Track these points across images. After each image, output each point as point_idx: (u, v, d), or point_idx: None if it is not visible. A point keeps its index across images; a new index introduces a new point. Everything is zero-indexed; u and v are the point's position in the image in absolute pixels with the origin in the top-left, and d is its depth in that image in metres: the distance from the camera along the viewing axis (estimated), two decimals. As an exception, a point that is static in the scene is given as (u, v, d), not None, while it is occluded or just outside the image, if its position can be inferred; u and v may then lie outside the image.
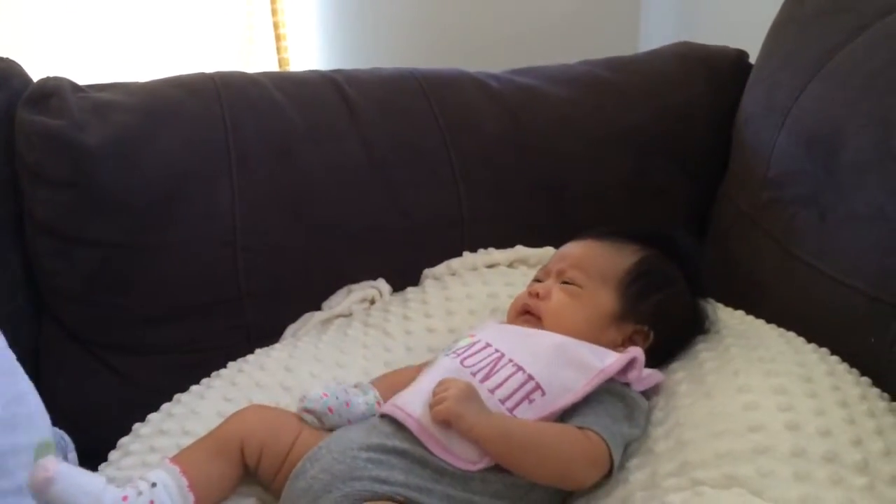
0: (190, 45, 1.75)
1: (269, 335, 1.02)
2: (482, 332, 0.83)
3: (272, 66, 1.80)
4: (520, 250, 1.06)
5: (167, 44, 1.73)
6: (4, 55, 1.08)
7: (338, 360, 0.92)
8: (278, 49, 1.80)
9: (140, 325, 1.01)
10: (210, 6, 1.79)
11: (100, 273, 0.99)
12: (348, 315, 1.01)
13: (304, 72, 1.17)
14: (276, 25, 1.79)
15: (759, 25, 1.16)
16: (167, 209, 0.99)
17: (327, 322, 1.01)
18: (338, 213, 1.05)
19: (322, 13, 1.83)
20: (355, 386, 0.83)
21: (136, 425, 0.86)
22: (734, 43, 1.26)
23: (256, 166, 1.03)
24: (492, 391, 0.74)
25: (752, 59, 1.19)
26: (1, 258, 0.99)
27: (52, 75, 1.05)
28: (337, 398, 0.79)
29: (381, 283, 1.05)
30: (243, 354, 0.99)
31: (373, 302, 1.03)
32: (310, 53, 1.84)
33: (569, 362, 0.75)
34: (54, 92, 1.02)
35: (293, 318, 1.03)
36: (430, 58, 1.65)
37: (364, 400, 0.81)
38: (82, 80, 1.09)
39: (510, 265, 1.05)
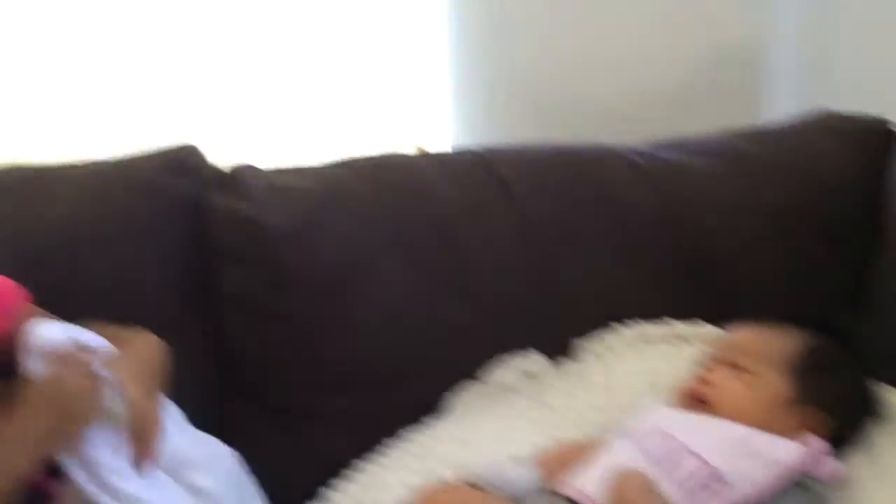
0: (333, 122, 1.86)
1: (434, 405, 1.08)
2: (655, 415, 0.86)
3: (410, 142, 1.88)
4: (674, 325, 1.08)
5: (313, 125, 1.84)
6: (186, 142, 1.19)
7: (505, 433, 0.97)
8: (413, 124, 1.89)
9: (318, 393, 1.08)
10: (352, 87, 1.89)
11: (281, 344, 1.07)
12: (508, 387, 1.06)
13: (456, 151, 1.24)
14: (411, 92, 1.87)
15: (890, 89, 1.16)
16: (342, 286, 1.07)
17: (488, 394, 1.06)
18: (495, 288, 1.10)
19: (455, 89, 1.90)
20: (517, 460, 0.87)
21: (328, 492, 0.92)
22: (865, 108, 1.27)
23: (420, 245, 1.10)
24: (674, 481, 0.77)
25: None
26: (189, 330, 1.08)
27: (235, 162, 1.16)
28: (501, 472, 0.83)
29: (538, 356, 1.09)
30: (412, 423, 1.05)
31: (531, 375, 1.08)
32: (444, 128, 1.92)
33: (751, 453, 0.77)
34: (239, 177, 1.12)
35: (455, 390, 1.09)
36: (551, 129, 1.72)
37: (526, 475, 0.85)
38: (248, 159, 1.20)
39: (666, 340, 1.07)
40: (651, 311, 1.12)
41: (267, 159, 1.23)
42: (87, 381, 0.76)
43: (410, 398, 1.08)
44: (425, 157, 1.20)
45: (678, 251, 1.16)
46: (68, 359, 0.77)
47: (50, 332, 0.80)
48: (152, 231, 1.08)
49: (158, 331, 0.96)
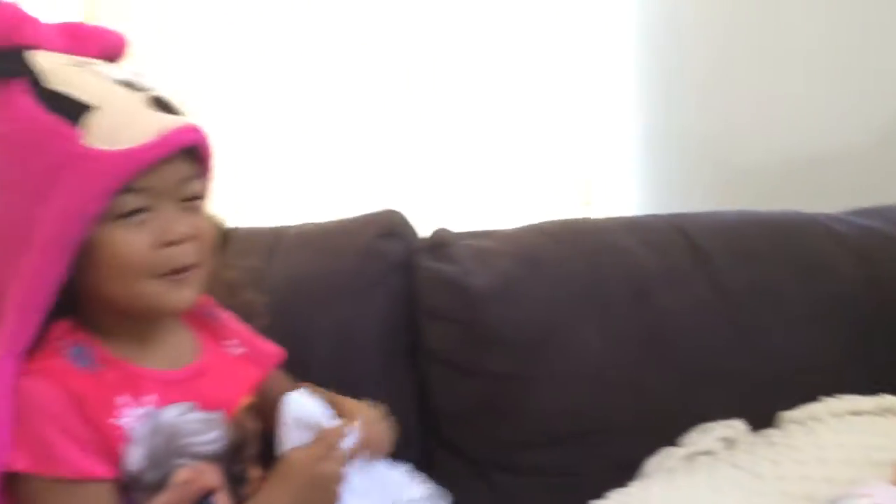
0: (517, 184, 1.94)
1: (633, 466, 1.09)
2: (877, 491, 0.84)
3: (580, 206, 1.93)
4: (886, 399, 1.05)
5: (497, 187, 1.93)
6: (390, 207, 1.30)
7: (714, 499, 0.96)
8: (583, 181, 1.94)
9: (518, 448, 1.12)
10: (535, 149, 1.97)
11: (484, 399, 1.13)
12: (709, 454, 1.06)
13: (649, 217, 1.27)
14: (591, 156, 1.93)
15: None
16: (543, 345, 1.12)
17: (688, 459, 1.07)
18: (693, 353, 1.12)
19: (636, 151, 1.93)
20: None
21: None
22: None
23: (619, 308, 1.13)
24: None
25: None
26: (398, 384, 1.16)
27: (438, 227, 1.25)
28: None
29: (738, 424, 1.08)
30: (610, 482, 1.06)
31: (730, 442, 1.07)
32: (618, 191, 1.96)
33: None
34: (445, 241, 1.20)
35: (652, 452, 1.10)
36: (732, 193, 1.71)
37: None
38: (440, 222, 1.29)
39: (875, 412, 1.04)
40: (855, 379, 1.10)
41: (455, 221, 1.32)
42: (339, 466, 0.82)
43: (608, 458, 1.10)
44: (618, 221, 1.24)
45: (882, 318, 1.14)
46: (326, 437, 0.83)
47: (304, 402, 0.85)
48: (368, 290, 1.18)
49: (371, 384, 1.05)
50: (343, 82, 1.90)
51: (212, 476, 0.80)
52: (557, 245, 1.19)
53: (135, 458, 0.75)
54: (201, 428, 0.80)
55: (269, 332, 1.04)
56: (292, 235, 1.25)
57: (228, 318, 0.93)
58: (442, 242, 1.20)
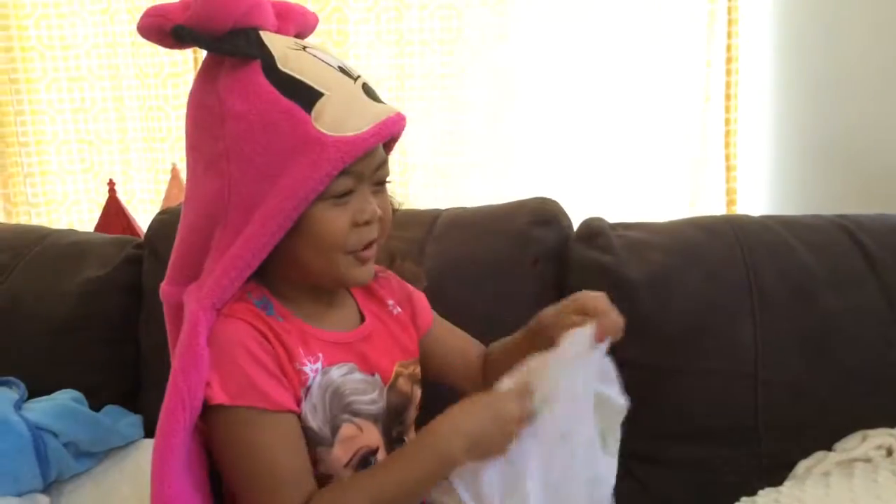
0: (651, 182, 1.94)
1: (781, 466, 1.08)
2: None
3: (720, 200, 1.90)
4: None
5: (633, 184, 1.94)
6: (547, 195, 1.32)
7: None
8: (727, 179, 1.91)
9: (661, 440, 1.12)
10: (663, 141, 1.96)
11: (630, 389, 1.12)
12: (867, 461, 1.03)
13: (810, 216, 1.24)
14: (727, 157, 1.90)
15: None
16: (693, 339, 1.11)
17: (844, 465, 1.04)
18: (858, 356, 1.09)
19: (773, 152, 1.90)
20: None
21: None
22: None
23: (777, 306, 1.11)
24: None
25: None
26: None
27: (591, 216, 1.27)
28: None
29: (901, 432, 1.05)
30: (754, 481, 1.07)
31: (890, 451, 1.04)
32: (758, 188, 1.92)
33: None
34: (599, 231, 1.21)
35: (805, 454, 1.08)
36: (868, 198, 1.63)
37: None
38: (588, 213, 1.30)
39: None
40: None
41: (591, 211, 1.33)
42: (521, 410, 0.77)
43: (755, 457, 1.09)
44: (776, 220, 1.21)
45: None
46: (522, 383, 0.80)
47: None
48: (520, 276, 1.20)
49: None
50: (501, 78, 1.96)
51: (373, 435, 0.86)
52: (714, 240, 1.18)
53: (307, 408, 0.80)
54: (364, 388, 0.85)
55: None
56: (447, 218, 1.29)
57: (388, 280, 0.98)
58: (596, 232, 1.21)
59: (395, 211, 0.92)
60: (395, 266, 1.01)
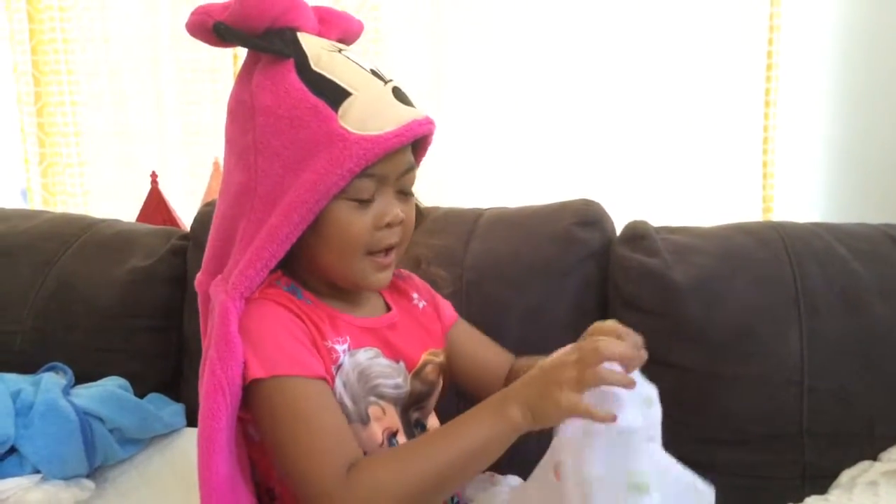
0: (693, 188, 1.94)
1: (824, 475, 1.07)
2: None
3: (756, 206, 1.90)
4: None
5: (676, 189, 1.93)
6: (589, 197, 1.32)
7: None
8: (764, 186, 1.90)
9: (704, 445, 1.12)
10: (700, 147, 1.96)
11: (674, 393, 1.11)
12: (913, 471, 1.02)
13: (857, 224, 1.23)
14: (765, 164, 1.89)
15: None
16: (740, 344, 1.11)
17: (889, 475, 1.03)
18: (907, 367, 1.08)
19: (815, 156, 1.89)
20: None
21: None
22: None
23: (824, 313, 1.10)
24: None
25: None
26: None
27: (633, 219, 1.27)
28: None
29: (949, 444, 1.04)
30: (798, 488, 1.07)
31: (940, 462, 1.03)
32: (795, 197, 1.91)
33: None
34: (644, 234, 1.21)
35: (849, 463, 1.07)
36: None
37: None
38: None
39: None
40: None
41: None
42: (582, 375, 0.72)
43: (797, 464, 1.09)
44: (824, 227, 1.20)
45: None
46: (586, 349, 0.74)
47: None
48: (563, 276, 1.20)
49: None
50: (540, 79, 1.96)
51: (394, 418, 0.87)
52: (761, 245, 1.17)
53: (339, 385, 0.81)
54: (389, 372, 0.86)
55: (463, 308, 1.10)
56: (491, 217, 1.30)
57: (412, 278, 1.00)
58: (640, 234, 1.21)
59: (423, 218, 0.93)
60: (420, 270, 1.03)
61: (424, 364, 0.91)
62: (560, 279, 1.21)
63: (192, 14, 0.81)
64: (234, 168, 0.82)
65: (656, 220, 1.28)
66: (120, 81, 2.16)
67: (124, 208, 2.17)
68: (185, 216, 1.88)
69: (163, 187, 1.79)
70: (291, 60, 0.80)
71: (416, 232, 0.91)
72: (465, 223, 1.28)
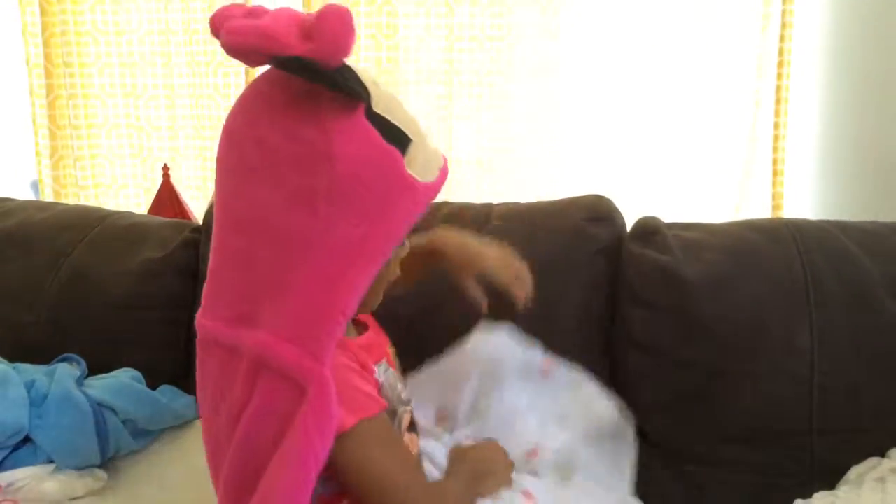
0: (696, 185, 1.94)
1: (833, 471, 1.07)
2: None
3: (766, 204, 1.90)
4: None
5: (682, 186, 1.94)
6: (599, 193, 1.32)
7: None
8: (774, 183, 1.90)
9: (714, 441, 1.12)
10: (710, 144, 1.96)
11: (684, 389, 1.14)
12: (923, 469, 1.03)
13: (868, 222, 1.23)
14: (775, 162, 1.89)
15: None
16: (750, 340, 1.11)
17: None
18: (917, 366, 1.08)
19: (826, 154, 1.89)
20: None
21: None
22: None
23: (834, 310, 1.11)
24: None
25: None
26: (591, 366, 1.16)
27: (645, 215, 1.27)
28: None
29: (960, 442, 1.04)
30: (806, 484, 1.07)
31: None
32: (805, 194, 1.91)
33: None
34: (655, 230, 1.22)
35: (858, 460, 1.07)
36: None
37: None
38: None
39: None
40: None
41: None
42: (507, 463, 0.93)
43: (807, 461, 1.09)
44: (834, 224, 1.21)
45: None
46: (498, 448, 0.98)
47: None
48: (573, 271, 1.21)
49: (567, 357, 1.09)
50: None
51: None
52: (772, 242, 1.17)
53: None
54: (396, 377, 0.91)
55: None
56: (502, 213, 1.30)
57: None
58: (651, 230, 1.21)
59: None
60: None
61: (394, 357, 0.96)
62: (570, 275, 1.21)
63: (246, 33, 0.71)
64: (282, 209, 0.73)
65: (667, 216, 1.29)
66: (132, 74, 2.16)
67: (135, 201, 2.19)
68: (196, 209, 1.90)
69: (174, 180, 1.80)
70: (363, 103, 0.74)
71: None
72: (476, 219, 1.28)
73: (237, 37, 0.71)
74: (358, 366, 0.82)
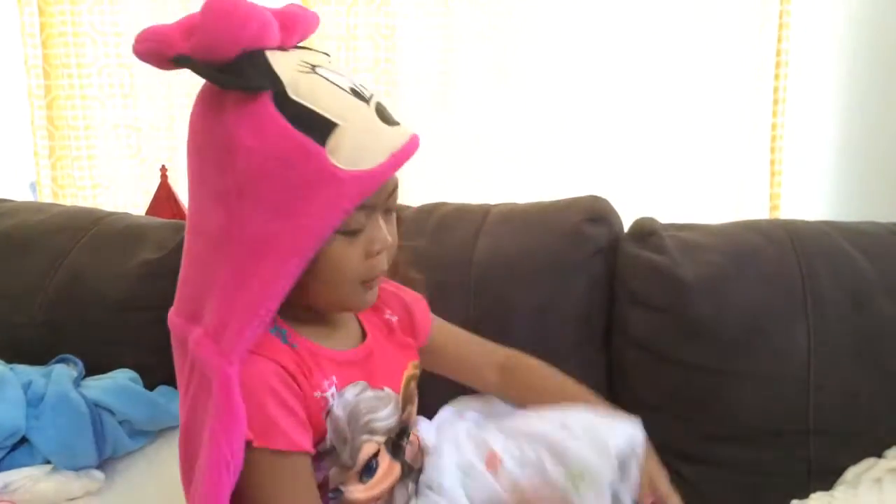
0: (699, 185, 1.94)
1: (829, 471, 1.08)
2: None
3: (763, 204, 1.90)
4: None
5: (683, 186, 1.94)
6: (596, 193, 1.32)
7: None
8: (772, 184, 1.90)
9: (709, 441, 1.12)
10: (708, 144, 1.96)
11: (680, 389, 1.14)
12: (917, 469, 1.03)
13: (866, 223, 1.23)
14: (772, 163, 1.89)
15: None
16: (747, 341, 1.11)
17: (894, 471, 1.04)
18: (914, 365, 1.08)
19: (823, 154, 1.89)
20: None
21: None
22: None
23: (832, 311, 1.11)
24: None
25: None
26: (589, 366, 1.19)
27: (643, 216, 1.27)
28: None
29: (955, 443, 1.04)
30: (803, 485, 1.07)
31: (945, 459, 1.03)
32: (803, 195, 1.91)
33: None
34: (652, 231, 1.22)
35: (854, 460, 1.07)
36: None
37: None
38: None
39: None
40: None
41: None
42: None
43: (803, 461, 1.09)
44: (832, 225, 1.21)
45: None
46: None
47: None
48: (570, 272, 1.21)
49: (564, 363, 1.08)
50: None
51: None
52: (769, 243, 1.17)
53: (330, 430, 0.80)
54: (377, 405, 0.84)
55: (471, 304, 1.10)
56: (498, 213, 1.30)
57: (384, 289, 0.94)
58: (648, 231, 1.22)
59: (401, 222, 0.88)
60: (398, 276, 0.98)
61: (408, 381, 0.91)
62: (568, 275, 1.22)
63: (144, 40, 0.72)
64: (211, 210, 0.74)
65: (664, 217, 1.29)
66: (129, 75, 2.17)
67: (133, 202, 2.19)
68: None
69: (172, 181, 1.80)
70: (269, 92, 0.71)
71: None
72: (473, 219, 1.29)
73: (138, 43, 0.73)
74: (297, 383, 0.77)
